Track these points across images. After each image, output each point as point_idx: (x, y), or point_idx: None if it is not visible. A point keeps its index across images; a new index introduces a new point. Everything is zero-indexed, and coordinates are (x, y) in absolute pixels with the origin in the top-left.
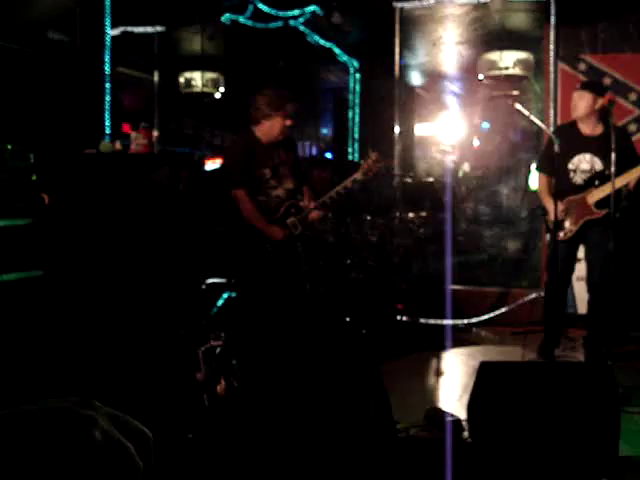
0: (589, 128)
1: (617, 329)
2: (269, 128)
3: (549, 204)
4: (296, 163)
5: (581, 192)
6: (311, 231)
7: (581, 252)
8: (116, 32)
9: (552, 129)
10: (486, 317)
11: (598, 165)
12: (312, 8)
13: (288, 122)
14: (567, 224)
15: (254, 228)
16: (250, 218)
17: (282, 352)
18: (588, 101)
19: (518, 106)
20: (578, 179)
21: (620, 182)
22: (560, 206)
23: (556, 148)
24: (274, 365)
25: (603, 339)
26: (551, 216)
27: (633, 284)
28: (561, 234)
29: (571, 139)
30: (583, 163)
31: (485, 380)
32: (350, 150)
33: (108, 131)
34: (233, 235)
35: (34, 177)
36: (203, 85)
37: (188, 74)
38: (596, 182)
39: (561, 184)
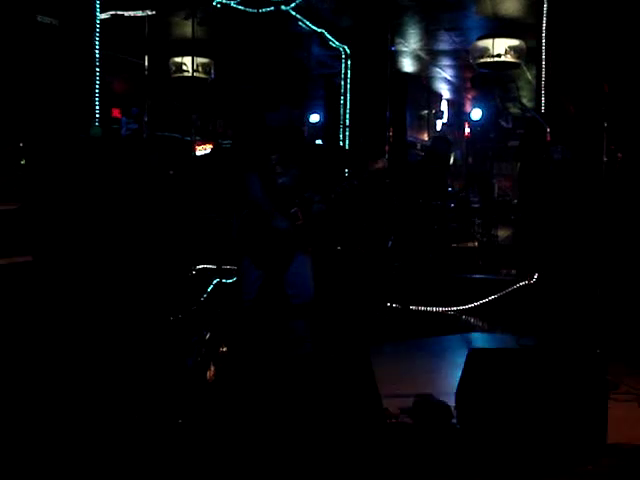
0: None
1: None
2: (278, 118)
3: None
4: (304, 154)
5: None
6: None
7: None
8: (106, 16)
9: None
10: (476, 304)
11: (569, 155)
12: None
13: (295, 110)
14: None
15: (259, 211)
16: (258, 201)
17: (272, 339)
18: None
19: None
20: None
21: None
22: None
23: (548, 137)
24: (264, 350)
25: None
26: None
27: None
28: None
29: (543, 130)
30: (556, 153)
31: (474, 367)
32: (341, 137)
33: (98, 115)
34: (238, 216)
35: (23, 161)
36: (194, 70)
37: (179, 59)
38: None
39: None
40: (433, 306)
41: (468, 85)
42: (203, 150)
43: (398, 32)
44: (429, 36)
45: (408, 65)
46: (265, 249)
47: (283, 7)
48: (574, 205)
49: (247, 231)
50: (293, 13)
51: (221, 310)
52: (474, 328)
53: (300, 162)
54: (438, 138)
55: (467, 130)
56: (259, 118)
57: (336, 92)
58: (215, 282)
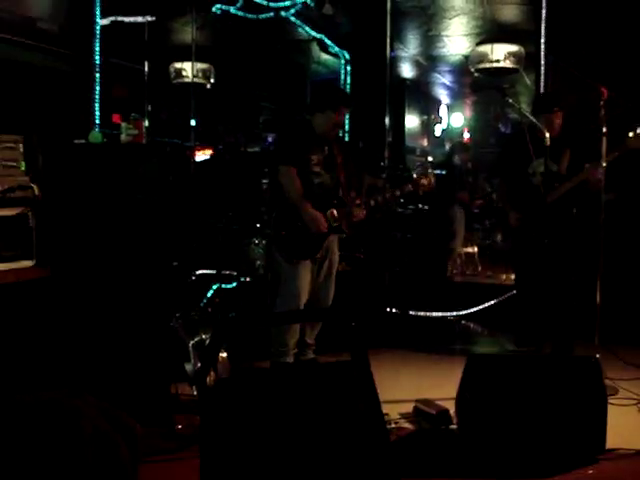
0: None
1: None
2: (322, 121)
3: (509, 211)
4: (348, 161)
5: (538, 194)
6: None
7: None
8: (106, 22)
9: None
10: (475, 309)
11: (554, 168)
12: None
13: (340, 118)
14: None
15: (293, 206)
16: (293, 196)
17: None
18: (562, 118)
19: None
20: (536, 182)
21: (574, 182)
22: (516, 215)
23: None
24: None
25: (568, 332)
26: (511, 221)
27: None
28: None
29: (527, 144)
30: (540, 167)
31: (473, 372)
32: None
33: (98, 121)
34: (272, 211)
35: (23, 167)
36: (194, 76)
37: (178, 64)
38: (555, 184)
39: (521, 188)
40: (432, 311)
41: (467, 90)
42: (203, 155)
43: (398, 38)
44: (428, 41)
45: (407, 70)
46: (300, 243)
47: (283, 13)
48: (577, 210)
49: (282, 229)
50: (293, 19)
51: (221, 316)
52: (473, 333)
53: (338, 164)
54: (457, 143)
55: (466, 135)
56: (303, 121)
57: None
58: (215, 287)
